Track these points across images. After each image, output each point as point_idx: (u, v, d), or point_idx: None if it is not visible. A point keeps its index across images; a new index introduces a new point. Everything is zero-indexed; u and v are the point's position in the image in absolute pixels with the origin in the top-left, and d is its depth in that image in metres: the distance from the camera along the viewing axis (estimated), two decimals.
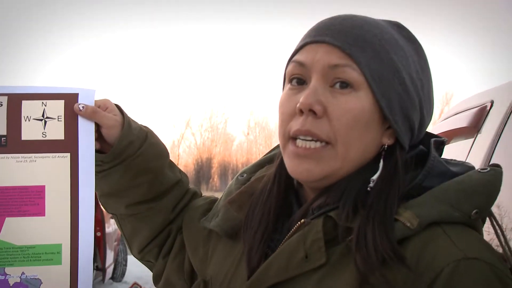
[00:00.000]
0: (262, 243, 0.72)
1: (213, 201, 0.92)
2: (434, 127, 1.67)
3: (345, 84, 0.65)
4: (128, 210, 0.91)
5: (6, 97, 0.85)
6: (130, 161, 0.86)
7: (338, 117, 0.65)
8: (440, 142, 0.73)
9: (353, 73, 0.65)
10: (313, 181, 0.69)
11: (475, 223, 0.67)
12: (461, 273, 0.59)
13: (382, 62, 0.65)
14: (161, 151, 0.90)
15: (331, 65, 0.65)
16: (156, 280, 0.96)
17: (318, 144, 0.66)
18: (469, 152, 1.33)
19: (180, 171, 0.95)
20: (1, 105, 0.85)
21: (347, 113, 0.65)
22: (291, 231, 0.69)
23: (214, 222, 0.82)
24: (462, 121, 1.47)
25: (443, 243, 0.62)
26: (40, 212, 0.84)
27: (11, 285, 0.82)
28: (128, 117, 0.88)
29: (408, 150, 0.70)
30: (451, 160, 0.74)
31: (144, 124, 0.92)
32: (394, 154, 0.68)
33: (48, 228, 0.83)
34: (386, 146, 0.69)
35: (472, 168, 0.71)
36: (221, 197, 0.88)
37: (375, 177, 0.68)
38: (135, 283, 4.16)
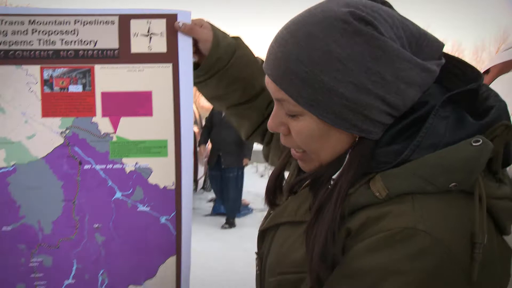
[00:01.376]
0: (292, 186, 0.83)
1: None
2: (495, 56, 1.69)
3: (291, 113, 0.71)
4: (229, 110, 1.11)
5: (117, 17, 1.00)
6: (221, 73, 1.01)
7: (296, 136, 0.72)
8: (466, 91, 0.69)
9: (291, 105, 0.69)
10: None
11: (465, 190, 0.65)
12: (397, 239, 0.61)
13: (312, 87, 0.66)
14: (249, 60, 1.03)
15: (276, 98, 0.72)
16: (265, 159, 1.16)
17: (299, 151, 0.76)
18: None
19: None
20: (113, 23, 0.99)
21: (300, 134, 0.71)
22: (304, 184, 0.81)
23: None
24: None
25: (400, 210, 0.63)
26: (148, 113, 0.99)
27: (127, 172, 0.99)
28: (218, 35, 1.01)
29: (403, 118, 0.69)
30: (490, 95, 0.72)
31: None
32: (360, 144, 0.70)
33: (155, 126, 0.99)
34: (357, 139, 0.70)
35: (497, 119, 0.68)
36: None
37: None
38: None
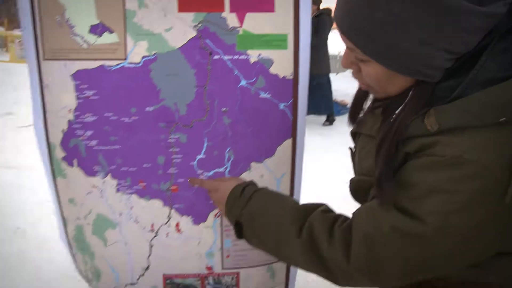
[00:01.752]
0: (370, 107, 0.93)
1: None
2: None
3: (360, 58, 0.78)
4: None
5: None
6: None
7: (365, 77, 0.79)
8: None
9: (359, 54, 0.76)
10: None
11: None
12: (445, 164, 0.69)
13: (377, 42, 0.71)
14: None
15: (346, 45, 0.79)
16: None
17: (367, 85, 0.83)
18: None
19: None
20: None
21: (368, 76, 0.78)
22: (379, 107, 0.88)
23: None
24: None
25: (450, 141, 0.70)
26: (271, 8, 1.09)
27: (251, 63, 1.11)
28: None
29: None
30: None
31: None
32: (422, 84, 0.75)
33: (277, 21, 1.10)
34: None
35: None
36: None
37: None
38: None
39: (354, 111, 0.95)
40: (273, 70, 1.12)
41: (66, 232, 1.27)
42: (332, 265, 0.83)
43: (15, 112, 5.96)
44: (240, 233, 0.99)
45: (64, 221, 1.26)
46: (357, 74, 0.82)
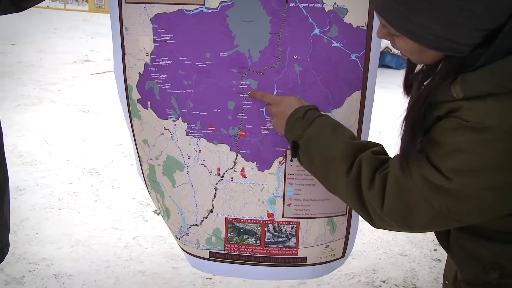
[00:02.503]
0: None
1: None
2: None
3: (393, 33, 0.83)
4: None
5: None
6: None
7: (399, 48, 0.85)
8: None
9: (391, 30, 0.81)
10: None
11: None
12: (469, 128, 0.74)
13: (408, 22, 0.77)
14: None
15: (380, 21, 0.84)
16: None
17: None
18: None
19: None
20: None
21: (401, 48, 0.84)
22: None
23: None
24: None
25: (473, 106, 0.75)
26: None
27: (325, 11, 1.12)
28: None
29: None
30: None
31: None
32: (452, 56, 0.79)
33: None
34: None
35: None
36: None
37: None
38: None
39: (407, 76, 0.97)
40: (347, 19, 1.12)
41: (142, 170, 1.33)
42: (369, 208, 0.89)
43: (91, 59, 6.65)
44: (295, 153, 1.05)
45: (140, 160, 1.31)
46: (394, 44, 0.86)
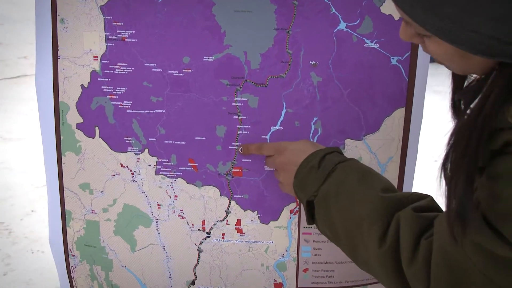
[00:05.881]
0: None
1: None
2: None
3: (420, 33, 0.61)
4: None
5: None
6: None
7: (431, 53, 0.63)
8: None
9: (417, 28, 0.60)
10: None
11: None
12: None
13: (438, 16, 0.56)
14: None
15: (402, 17, 0.61)
16: None
17: None
18: None
19: None
20: None
21: (434, 53, 0.62)
22: None
23: None
24: None
25: None
26: None
27: None
28: None
29: None
30: None
31: None
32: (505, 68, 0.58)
33: None
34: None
35: None
36: None
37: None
38: None
39: (454, 94, 0.71)
40: (385, 9, 0.81)
41: (64, 232, 0.92)
42: (412, 285, 0.67)
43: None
44: (312, 218, 0.76)
45: (64, 217, 0.91)
46: (425, 48, 0.64)
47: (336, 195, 0.72)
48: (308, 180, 0.74)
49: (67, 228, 0.92)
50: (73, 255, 0.94)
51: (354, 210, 0.71)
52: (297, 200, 0.85)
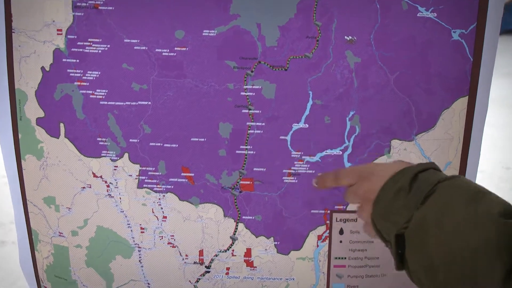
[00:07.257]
0: None
1: None
2: None
3: None
4: None
5: None
6: None
7: None
8: None
9: None
10: None
11: None
12: None
13: None
14: None
15: None
16: None
17: None
18: None
19: None
20: None
21: None
22: None
23: None
24: None
25: None
26: None
27: None
28: None
29: None
30: None
31: None
32: None
33: None
34: None
35: None
36: None
37: None
38: None
39: None
40: None
41: (34, 257, 0.71)
42: None
43: None
44: (401, 259, 0.52)
45: (32, 239, 0.70)
46: None
47: (438, 223, 0.50)
48: (394, 206, 0.52)
49: (35, 252, 0.71)
50: (45, 287, 0.73)
51: (464, 238, 0.50)
52: (327, 222, 0.64)
